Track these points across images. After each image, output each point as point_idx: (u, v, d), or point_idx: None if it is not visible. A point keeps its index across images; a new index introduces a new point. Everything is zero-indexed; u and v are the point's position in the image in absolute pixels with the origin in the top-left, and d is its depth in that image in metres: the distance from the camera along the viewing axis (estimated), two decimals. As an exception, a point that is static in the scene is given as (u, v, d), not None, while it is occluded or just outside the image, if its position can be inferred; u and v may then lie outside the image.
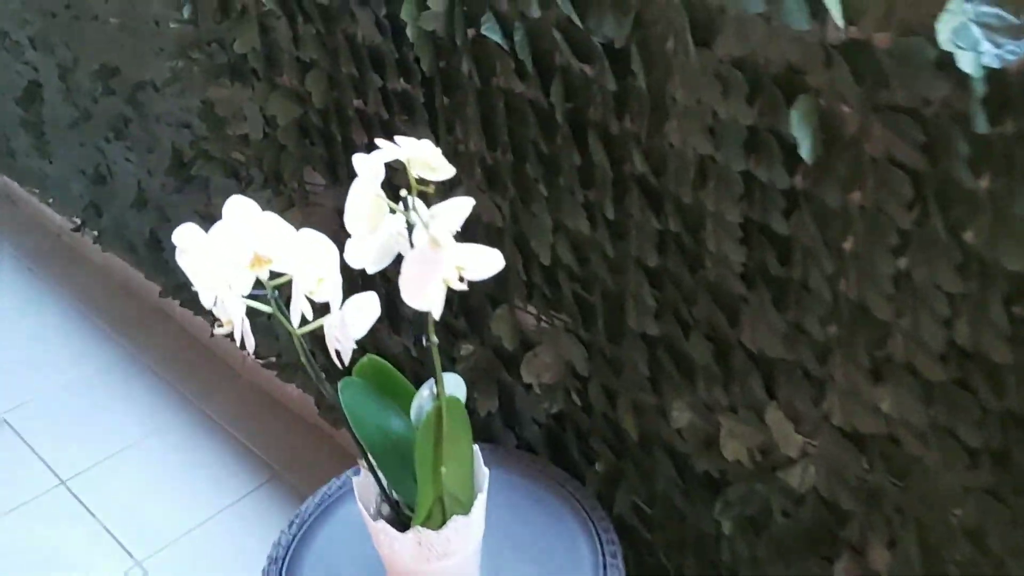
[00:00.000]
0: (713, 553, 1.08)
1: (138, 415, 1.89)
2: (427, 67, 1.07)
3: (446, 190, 1.08)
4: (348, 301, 0.83)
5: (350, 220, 0.72)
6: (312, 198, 1.43)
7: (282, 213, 1.49)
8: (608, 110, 0.93)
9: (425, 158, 0.69)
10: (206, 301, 0.77)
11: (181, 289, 1.93)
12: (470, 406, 1.28)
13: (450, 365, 1.29)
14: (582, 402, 1.16)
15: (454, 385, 0.88)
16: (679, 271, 0.95)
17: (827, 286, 0.83)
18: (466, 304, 1.25)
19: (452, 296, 0.79)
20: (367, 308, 0.84)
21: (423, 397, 0.88)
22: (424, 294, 0.70)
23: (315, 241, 0.80)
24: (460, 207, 0.70)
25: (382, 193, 0.73)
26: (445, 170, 0.69)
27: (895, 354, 0.81)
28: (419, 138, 1.18)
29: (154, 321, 2.15)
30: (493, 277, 0.74)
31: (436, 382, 0.83)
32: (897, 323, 0.79)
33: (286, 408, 1.87)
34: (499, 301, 1.20)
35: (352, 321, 0.82)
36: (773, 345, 0.90)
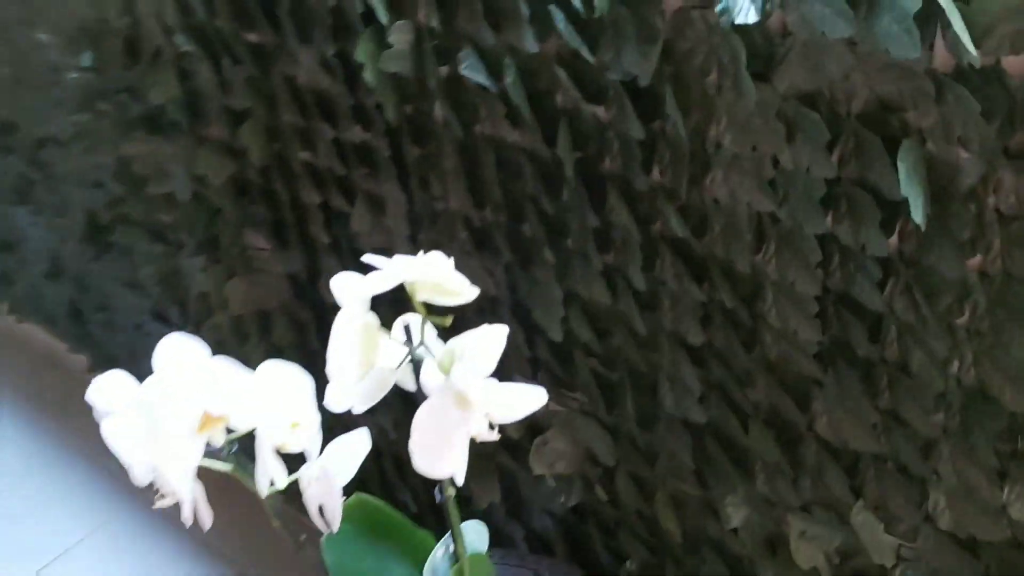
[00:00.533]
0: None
1: (75, 513, 1.66)
2: (392, 115, 0.87)
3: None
4: (330, 446, 0.64)
5: (335, 366, 0.52)
6: (257, 263, 1.22)
7: (222, 283, 1.31)
8: (631, 160, 0.74)
9: (437, 280, 0.50)
10: (139, 478, 0.57)
11: (113, 361, 1.70)
12: (465, 493, 1.09)
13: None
14: (608, 494, 0.97)
15: (474, 535, 0.69)
16: (730, 348, 0.78)
17: (936, 370, 0.66)
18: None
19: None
20: (355, 448, 0.65)
21: (437, 559, 0.69)
22: (445, 461, 0.52)
23: (282, 377, 0.61)
24: (493, 341, 0.51)
25: (374, 320, 0.54)
26: (465, 293, 0.50)
27: (1029, 449, 0.64)
28: (386, 195, 1.00)
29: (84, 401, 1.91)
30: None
31: (455, 540, 0.65)
32: (1032, 413, 0.63)
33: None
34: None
35: (337, 470, 0.63)
36: (858, 436, 0.73)
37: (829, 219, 0.66)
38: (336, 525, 0.63)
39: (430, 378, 0.53)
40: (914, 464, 0.71)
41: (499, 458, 1.07)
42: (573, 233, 0.82)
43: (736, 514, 0.85)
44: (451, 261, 0.52)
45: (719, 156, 0.69)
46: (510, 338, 0.95)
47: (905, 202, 0.58)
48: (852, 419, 0.73)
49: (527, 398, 0.52)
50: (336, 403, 0.58)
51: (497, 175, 0.85)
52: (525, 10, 0.73)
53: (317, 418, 0.63)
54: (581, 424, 0.94)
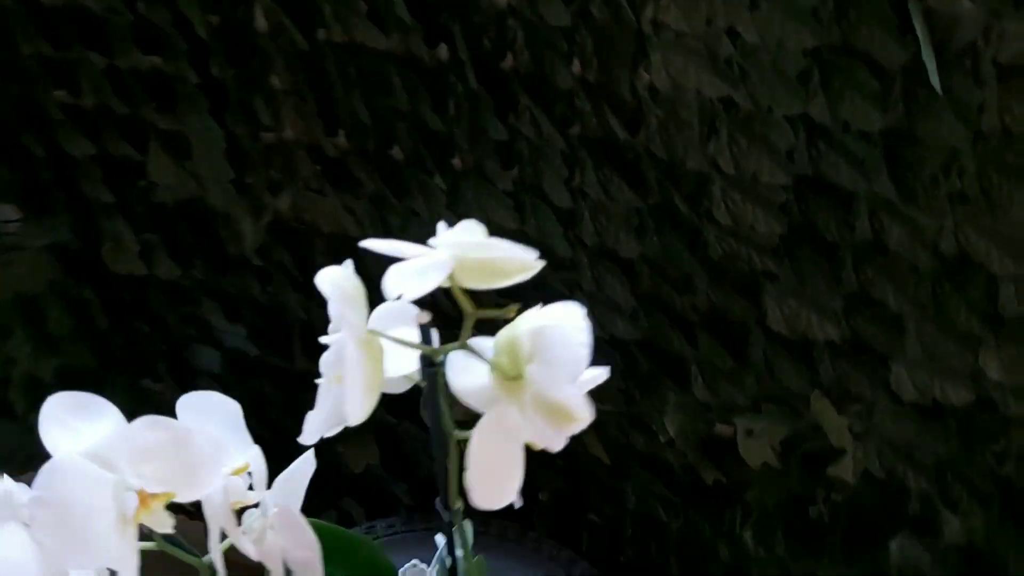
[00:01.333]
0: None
1: None
2: (202, 30, 0.68)
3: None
4: (278, 481, 0.48)
5: (351, 396, 0.37)
6: (7, 239, 0.97)
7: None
8: (548, 54, 0.62)
9: (484, 257, 0.36)
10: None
11: None
12: (334, 460, 0.96)
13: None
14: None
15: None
16: (667, 256, 0.69)
17: (918, 243, 0.61)
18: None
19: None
20: (302, 477, 0.50)
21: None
22: (510, 486, 0.39)
23: (212, 411, 0.44)
24: (574, 326, 0.37)
25: (376, 335, 0.39)
26: (528, 266, 0.36)
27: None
28: (191, 132, 0.79)
29: None
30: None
31: (465, 557, 0.52)
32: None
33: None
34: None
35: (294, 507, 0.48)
36: (817, 325, 0.68)
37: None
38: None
39: (478, 387, 0.39)
40: (878, 343, 0.68)
41: (375, 415, 0.94)
42: (463, 151, 0.69)
43: (671, 424, 0.79)
44: (481, 227, 0.38)
45: (660, 37, 0.59)
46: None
47: (899, 68, 0.51)
48: (810, 308, 0.68)
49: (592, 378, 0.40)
50: (312, 436, 0.43)
51: (355, 91, 0.69)
52: None
53: (258, 451, 0.47)
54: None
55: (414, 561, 0.73)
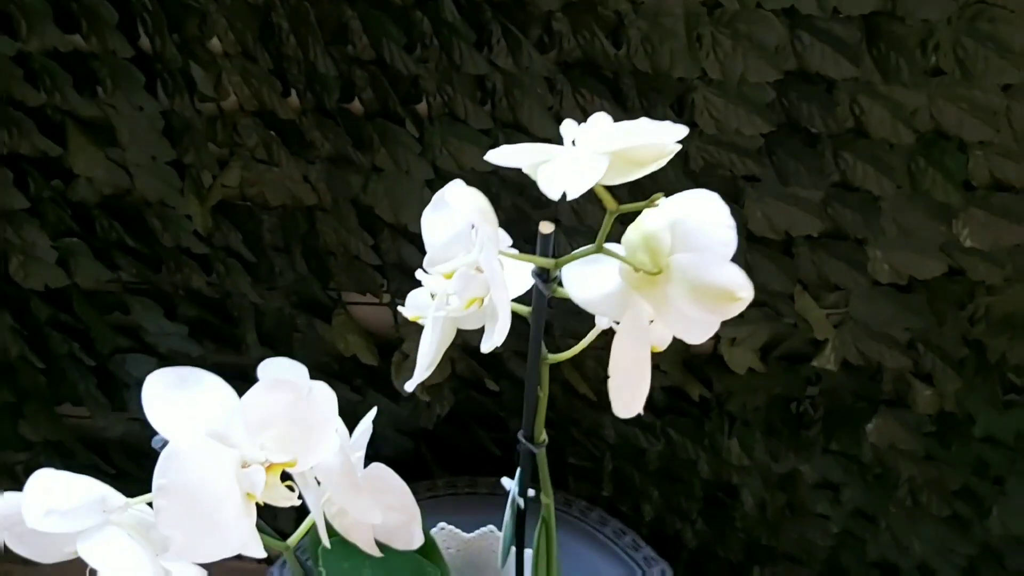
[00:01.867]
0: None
1: None
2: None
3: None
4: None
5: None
6: None
7: None
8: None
9: (629, 146, 0.33)
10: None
11: None
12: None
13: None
14: (497, 384, 0.86)
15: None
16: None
17: (900, 122, 0.64)
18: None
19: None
20: (362, 441, 0.46)
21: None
22: (642, 392, 0.38)
23: (288, 374, 0.41)
24: (715, 211, 0.35)
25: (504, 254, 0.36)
26: (661, 154, 0.34)
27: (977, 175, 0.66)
28: (116, 116, 0.70)
29: None
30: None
31: (544, 492, 0.51)
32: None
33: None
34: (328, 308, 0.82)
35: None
36: (799, 219, 0.71)
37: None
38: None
39: (606, 293, 0.37)
40: (856, 228, 0.71)
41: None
42: (431, 93, 0.67)
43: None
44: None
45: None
46: (345, 249, 0.77)
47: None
48: (792, 203, 0.70)
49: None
50: (419, 377, 0.40)
51: (310, 43, 0.65)
52: None
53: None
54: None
55: (441, 524, 0.71)
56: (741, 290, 0.34)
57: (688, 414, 0.86)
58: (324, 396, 0.37)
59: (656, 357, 0.39)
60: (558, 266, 0.38)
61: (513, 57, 0.64)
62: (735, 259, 0.35)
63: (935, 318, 0.74)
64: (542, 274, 0.39)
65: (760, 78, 0.62)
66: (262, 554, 0.38)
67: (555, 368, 0.46)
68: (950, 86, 0.62)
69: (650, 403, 0.88)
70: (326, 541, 0.43)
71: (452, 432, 0.89)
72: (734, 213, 0.36)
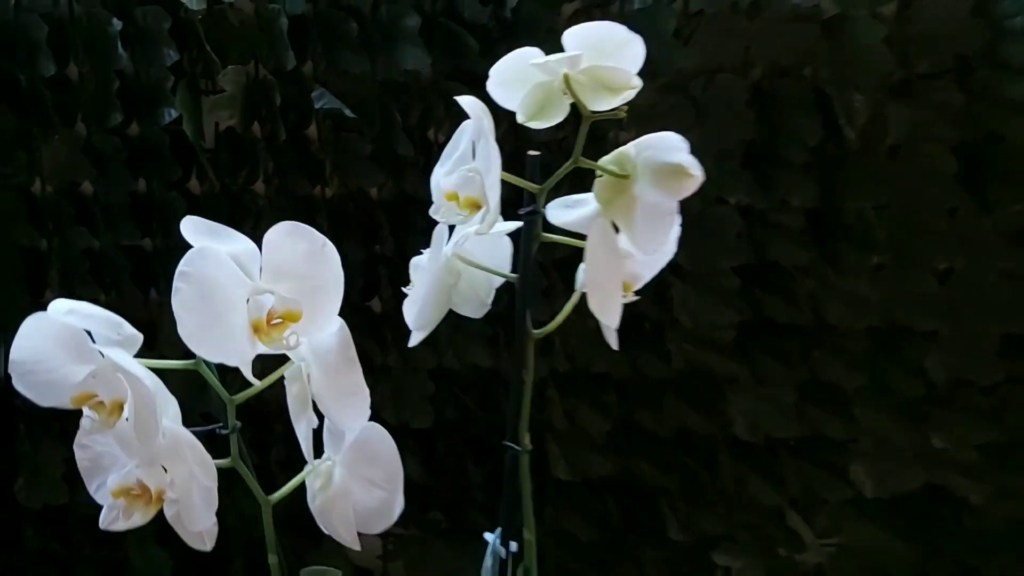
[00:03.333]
0: None
1: None
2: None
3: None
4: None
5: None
6: None
7: None
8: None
9: (605, 67, 0.42)
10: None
11: None
12: None
13: None
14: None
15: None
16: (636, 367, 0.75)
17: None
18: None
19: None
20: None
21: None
22: (615, 302, 0.43)
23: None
24: (667, 134, 0.43)
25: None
26: (632, 85, 0.43)
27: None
28: None
29: None
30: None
31: (524, 520, 0.50)
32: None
33: None
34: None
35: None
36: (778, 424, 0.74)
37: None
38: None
39: (581, 216, 0.43)
40: (833, 431, 0.74)
41: None
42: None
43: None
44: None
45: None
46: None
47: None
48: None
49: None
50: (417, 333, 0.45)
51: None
52: None
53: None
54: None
55: None
56: (693, 167, 0.41)
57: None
58: (335, 254, 0.41)
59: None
60: (543, 190, 0.45)
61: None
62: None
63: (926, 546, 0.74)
64: (529, 199, 0.45)
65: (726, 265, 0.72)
66: (250, 378, 0.39)
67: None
68: (894, 281, 0.71)
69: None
70: (314, 422, 0.43)
71: None
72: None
